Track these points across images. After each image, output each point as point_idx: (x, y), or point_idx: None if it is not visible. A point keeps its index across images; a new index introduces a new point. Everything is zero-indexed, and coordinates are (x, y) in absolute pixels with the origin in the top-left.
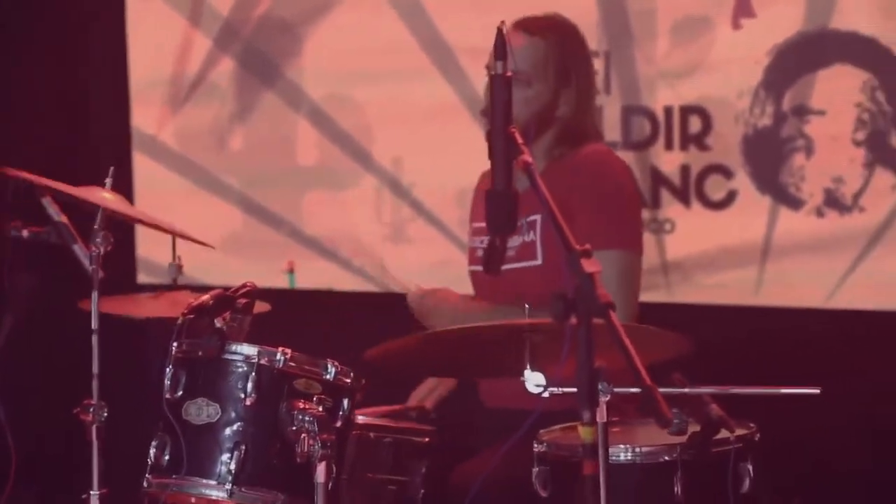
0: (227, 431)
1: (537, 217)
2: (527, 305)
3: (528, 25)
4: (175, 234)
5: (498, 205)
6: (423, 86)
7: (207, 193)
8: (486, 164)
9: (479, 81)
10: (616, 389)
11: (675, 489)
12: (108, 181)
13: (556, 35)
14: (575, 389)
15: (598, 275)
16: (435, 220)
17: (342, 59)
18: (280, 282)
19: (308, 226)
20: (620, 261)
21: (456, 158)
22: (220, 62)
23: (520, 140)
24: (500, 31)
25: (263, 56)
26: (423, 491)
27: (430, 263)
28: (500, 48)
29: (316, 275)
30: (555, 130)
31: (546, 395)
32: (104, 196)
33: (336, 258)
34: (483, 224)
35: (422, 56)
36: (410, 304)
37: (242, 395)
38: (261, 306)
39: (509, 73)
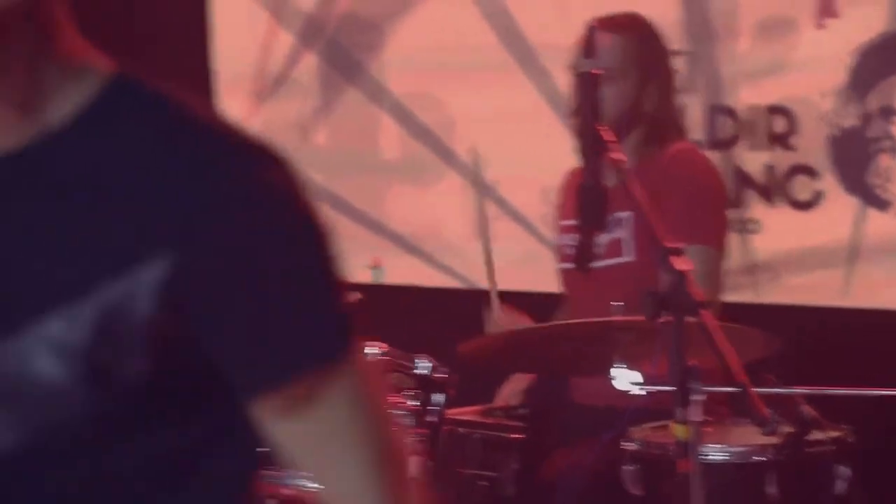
0: None
1: (627, 214)
2: (616, 303)
3: (608, 24)
4: None
5: (589, 201)
6: (505, 83)
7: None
8: (570, 162)
9: (561, 79)
10: (709, 388)
11: (769, 489)
12: None
13: (636, 32)
14: (668, 387)
15: (690, 273)
16: (519, 217)
17: (424, 55)
18: (364, 277)
19: (392, 221)
20: (702, 256)
21: (539, 156)
22: (303, 58)
23: (610, 137)
24: (589, 29)
25: (346, 52)
26: (513, 487)
27: (515, 260)
28: (589, 46)
29: (401, 270)
30: (643, 128)
31: (639, 392)
32: None
33: (421, 254)
34: (572, 222)
35: (504, 53)
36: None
37: None
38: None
39: (597, 71)
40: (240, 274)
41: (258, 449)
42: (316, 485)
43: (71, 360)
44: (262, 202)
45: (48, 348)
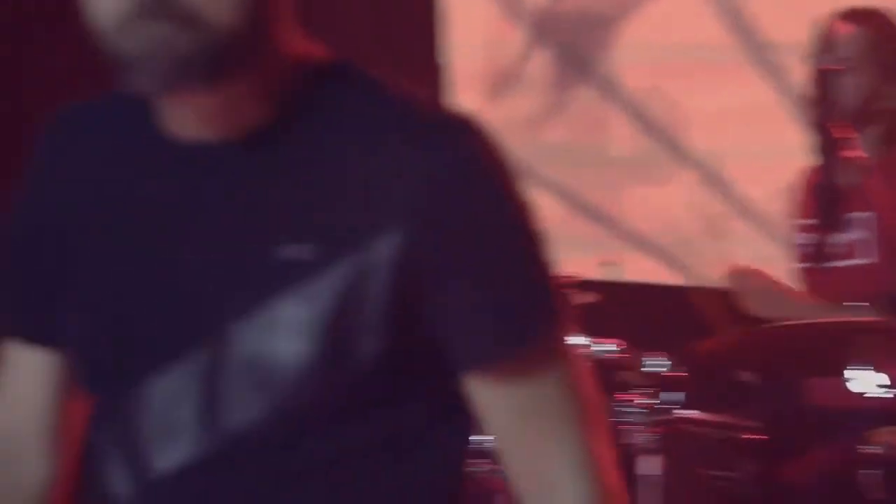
0: None
1: (868, 214)
2: (856, 304)
3: (855, 15)
4: None
5: (826, 200)
6: (737, 79)
7: (525, 184)
8: (807, 160)
9: (796, 75)
10: None
11: None
12: None
13: (878, 26)
14: None
15: None
16: (754, 216)
17: (656, 52)
18: (600, 273)
19: (625, 218)
20: None
21: (775, 155)
22: (535, 54)
23: (849, 134)
24: (828, 23)
25: (577, 48)
26: (752, 489)
27: (751, 260)
28: (827, 41)
29: (634, 267)
30: (882, 124)
31: (881, 395)
32: None
33: (653, 250)
34: (810, 221)
35: (736, 49)
36: (730, 282)
37: None
38: (586, 297)
39: (833, 67)
40: (465, 247)
41: (471, 434)
42: (514, 460)
43: (309, 341)
44: (482, 177)
45: (287, 329)
